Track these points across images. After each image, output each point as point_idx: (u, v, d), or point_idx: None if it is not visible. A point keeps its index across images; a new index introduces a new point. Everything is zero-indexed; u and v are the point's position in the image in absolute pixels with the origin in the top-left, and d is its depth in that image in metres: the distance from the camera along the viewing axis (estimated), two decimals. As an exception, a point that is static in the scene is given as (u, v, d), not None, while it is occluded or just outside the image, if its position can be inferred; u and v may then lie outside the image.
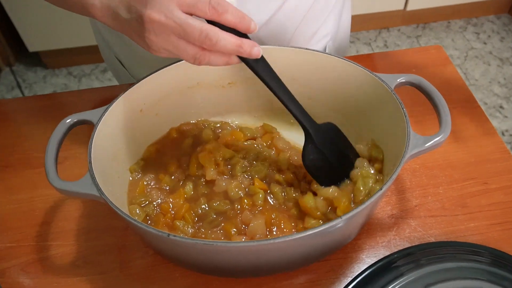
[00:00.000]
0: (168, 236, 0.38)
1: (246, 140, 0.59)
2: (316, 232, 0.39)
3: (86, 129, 0.52)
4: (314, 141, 0.49)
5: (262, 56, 0.47)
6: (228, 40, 0.42)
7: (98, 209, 0.58)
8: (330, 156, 0.50)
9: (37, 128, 0.67)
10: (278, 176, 0.53)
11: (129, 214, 0.41)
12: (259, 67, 0.47)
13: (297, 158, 0.55)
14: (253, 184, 0.52)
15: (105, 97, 0.68)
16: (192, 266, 0.48)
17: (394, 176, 0.42)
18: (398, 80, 0.52)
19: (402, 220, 0.55)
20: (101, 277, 0.51)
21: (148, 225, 0.40)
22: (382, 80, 0.52)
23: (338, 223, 0.40)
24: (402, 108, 0.48)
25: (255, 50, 0.44)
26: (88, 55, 1.81)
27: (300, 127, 0.50)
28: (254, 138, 0.59)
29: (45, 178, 0.44)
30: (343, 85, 0.57)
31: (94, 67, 1.91)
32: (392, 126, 0.50)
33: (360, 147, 0.54)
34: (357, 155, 0.53)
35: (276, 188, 0.52)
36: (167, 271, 0.51)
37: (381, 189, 0.41)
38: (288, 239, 0.38)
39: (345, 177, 0.51)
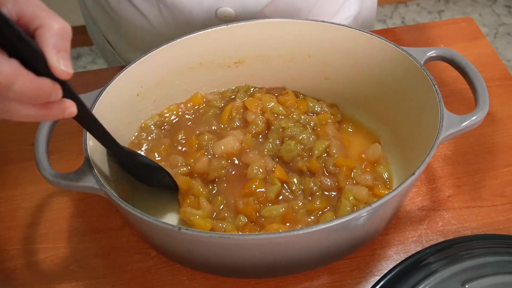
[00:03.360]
0: (179, 229, 0.40)
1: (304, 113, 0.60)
2: (341, 223, 0.41)
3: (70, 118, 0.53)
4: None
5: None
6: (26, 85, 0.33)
7: (91, 207, 0.59)
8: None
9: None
10: (302, 164, 0.55)
11: (132, 206, 0.43)
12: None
13: (335, 151, 0.56)
14: (274, 171, 0.54)
15: (94, 82, 0.70)
16: (202, 266, 0.49)
17: (428, 159, 0.44)
18: (428, 55, 0.54)
19: (434, 212, 0.57)
20: (97, 283, 0.53)
21: (156, 219, 0.41)
22: (410, 55, 0.53)
23: (365, 212, 0.42)
24: (434, 85, 0.50)
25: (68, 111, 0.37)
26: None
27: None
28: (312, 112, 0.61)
29: (28, 173, 0.46)
30: (365, 62, 0.59)
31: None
32: (422, 105, 0.52)
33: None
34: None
35: (294, 179, 0.54)
36: (172, 274, 0.53)
37: (413, 173, 0.43)
38: (310, 231, 0.40)
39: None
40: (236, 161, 0.57)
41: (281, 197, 0.54)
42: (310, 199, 0.54)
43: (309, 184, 0.54)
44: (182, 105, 0.62)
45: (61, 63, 0.35)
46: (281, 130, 0.58)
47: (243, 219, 0.52)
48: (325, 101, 0.63)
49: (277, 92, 0.64)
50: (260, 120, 0.59)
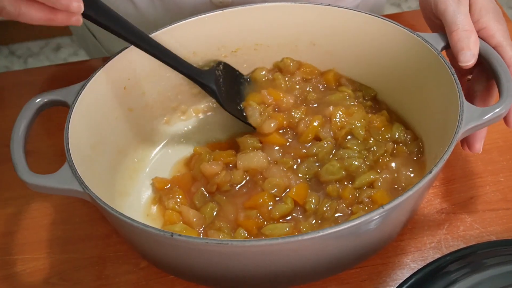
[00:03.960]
0: (172, 236, 0.42)
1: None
2: (350, 228, 0.42)
3: (49, 116, 0.54)
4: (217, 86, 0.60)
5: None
6: None
7: (74, 213, 0.61)
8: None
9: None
10: (333, 189, 0.55)
11: (119, 211, 0.44)
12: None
13: (380, 185, 0.55)
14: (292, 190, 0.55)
15: (76, 75, 0.71)
16: (198, 278, 0.51)
17: (446, 156, 0.45)
18: (446, 41, 0.55)
19: (455, 215, 0.58)
20: (81, 297, 0.55)
21: (146, 225, 0.43)
22: (427, 41, 0.55)
23: (376, 215, 0.43)
24: (452, 74, 0.51)
25: (74, 6, 0.45)
26: (36, 28, 1.83)
27: None
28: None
29: (4, 177, 0.47)
30: (376, 50, 0.60)
31: (44, 44, 1.93)
32: (440, 96, 0.53)
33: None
34: None
35: (312, 199, 0.55)
36: (164, 287, 0.54)
37: (430, 172, 0.45)
38: (316, 236, 0.41)
39: None
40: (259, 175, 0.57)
41: (289, 217, 0.55)
42: (320, 222, 0.54)
43: (324, 206, 0.54)
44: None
45: None
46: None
47: (242, 233, 0.53)
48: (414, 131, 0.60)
49: None
50: (329, 140, 0.59)
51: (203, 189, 0.58)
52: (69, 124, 0.51)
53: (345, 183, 0.56)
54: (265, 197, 0.55)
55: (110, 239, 0.58)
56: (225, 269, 0.47)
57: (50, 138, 0.67)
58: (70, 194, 0.47)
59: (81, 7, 0.46)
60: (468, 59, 0.52)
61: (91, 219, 0.60)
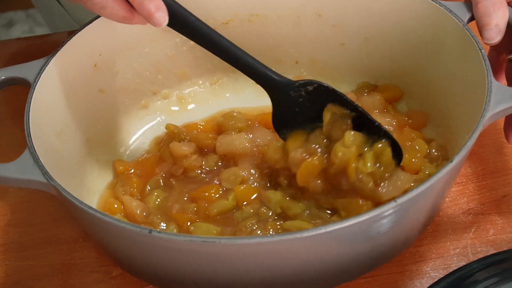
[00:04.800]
0: (150, 233, 0.43)
1: None
2: (358, 224, 0.44)
3: (8, 97, 0.56)
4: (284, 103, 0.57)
5: None
6: None
7: (34, 213, 0.63)
8: None
9: None
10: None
11: (89, 205, 0.46)
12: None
13: None
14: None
15: (38, 50, 0.73)
16: (181, 285, 0.53)
17: (469, 143, 0.47)
18: (473, 11, 0.57)
19: (484, 217, 0.60)
20: (43, 311, 0.56)
21: (120, 220, 0.44)
22: (451, 11, 0.57)
23: (389, 210, 0.45)
24: (480, 49, 0.53)
25: (157, 16, 0.51)
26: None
27: None
28: None
29: None
30: (391, 22, 0.62)
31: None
32: (465, 75, 0.55)
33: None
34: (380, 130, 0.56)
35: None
36: (141, 299, 0.56)
37: (451, 161, 0.46)
38: (317, 233, 0.43)
39: None
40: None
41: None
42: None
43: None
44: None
45: None
46: None
47: (173, 228, 0.57)
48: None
49: None
50: None
51: (163, 174, 0.61)
52: (30, 105, 0.53)
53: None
54: (212, 191, 0.58)
55: (76, 243, 0.60)
56: (213, 274, 0.48)
57: (11, 125, 0.69)
58: (31, 186, 0.49)
59: (165, 19, 0.51)
60: (493, 36, 0.54)
61: (53, 220, 0.62)
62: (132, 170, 0.63)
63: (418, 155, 0.60)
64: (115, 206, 0.59)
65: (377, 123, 0.56)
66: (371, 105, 0.66)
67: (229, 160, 0.62)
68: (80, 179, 0.61)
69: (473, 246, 0.58)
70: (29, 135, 0.51)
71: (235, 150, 0.61)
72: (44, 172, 0.48)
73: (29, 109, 0.52)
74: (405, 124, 0.64)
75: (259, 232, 0.56)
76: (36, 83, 0.54)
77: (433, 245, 0.58)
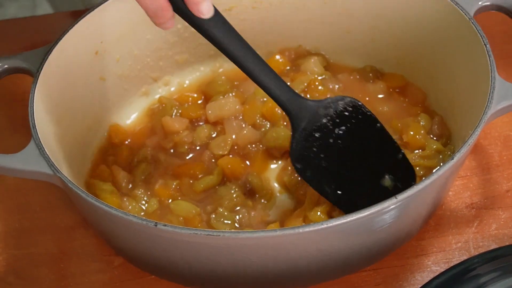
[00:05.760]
0: (156, 226, 0.49)
1: None
2: (359, 219, 0.49)
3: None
4: (306, 129, 0.57)
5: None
6: None
7: (33, 201, 0.68)
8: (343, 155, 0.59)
9: None
10: None
11: (95, 197, 0.51)
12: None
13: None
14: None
15: (30, 35, 0.78)
16: (184, 277, 0.58)
17: (471, 140, 0.52)
18: (479, 3, 0.62)
19: (487, 211, 0.65)
20: (43, 299, 0.61)
21: (126, 213, 0.49)
22: (457, 4, 0.61)
23: (390, 205, 0.50)
24: (485, 44, 0.58)
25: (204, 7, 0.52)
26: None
27: None
28: None
29: None
30: (400, 12, 0.67)
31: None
32: (469, 69, 0.60)
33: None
34: (399, 151, 0.60)
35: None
36: (142, 289, 0.62)
37: (452, 158, 0.51)
38: (321, 227, 0.48)
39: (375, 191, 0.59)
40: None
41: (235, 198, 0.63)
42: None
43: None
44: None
45: None
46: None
47: (154, 204, 0.63)
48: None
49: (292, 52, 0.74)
50: None
51: (150, 150, 0.67)
52: (34, 95, 0.57)
53: None
54: (197, 169, 0.65)
55: (76, 231, 0.66)
56: (216, 266, 0.54)
57: (6, 108, 0.73)
58: (36, 177, 0.54)
59: (210, 10, 0.53)
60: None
61: (53, 208, 0.67)
62: (126, 141, 0.70)
63: (422, 131, 0.65)
64: (106, 174, 0.66)
65: (397, 145, 0.60)
66: (373, 92, 0.72)
67: (220, 132, 0.68)
68: (80, 166, 0.66)
69: (475, 240, 0.63)
70: (34, 126, 0.55)
71: (225, 114, 0.66)
72: (50, 164, 0.53)
73: (33, 100, 0.57)
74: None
75: (238, 208, 0.62)
76: (39, 73, 0.59)
77: (435, 239, 0.63)
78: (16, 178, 0.68)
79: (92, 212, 0.55)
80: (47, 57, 0.60)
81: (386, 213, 0.51)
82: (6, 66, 0.60)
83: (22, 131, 0.72)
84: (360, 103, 0.59)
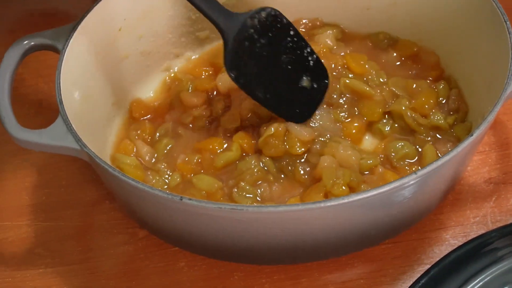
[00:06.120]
0: (181, 200, 0.50)
1: None
2: (379, 195, 0.50)
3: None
4: (236, 40, 0.62)
5: None
6: None
7: (59, 175, 0.71)
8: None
9: None
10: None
11: (121, 172, 0.53)
12: None
13: None
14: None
15: (46, 10, 0.80)
16: (206, 249, 0.60)
17: (490, 117, 0.53)
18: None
19: (505, 186, 0.66)
20: (71, 270, 0.64)
21: (152, 187, 0.51)
22: (477, -20, 0.63)
23: (410, 181, 0.51)
24: (505, 21, 0.59)
25: None
26: None
27: None
28: None
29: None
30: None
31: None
32: (489, 47, 0.61)
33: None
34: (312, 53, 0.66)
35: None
36: (166, 260, 0.63)
37: (471, 134, 0.53)
38: (342, 202, 0.50)
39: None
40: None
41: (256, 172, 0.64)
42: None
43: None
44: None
45: None
46: None
47: (177, 178, 0.65)
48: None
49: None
50: None
51: (171, 123, 0.70)
52: (60, 71, 0.59)
53: None
54: (216, 144, 0.66)
55: (102, 205, 0.68)
56: (239, 238, 0.56)
57: (26, 85, 0.75)
58: (64, 152, 0.56)
59: None
60: None
61: (79, 182, 0.70)
62: (147, 116, 0.72)
63: (432, 101, 0.67)
64: (130, 148, 0.68)
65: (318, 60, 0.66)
66: (386, 62, 0.74)
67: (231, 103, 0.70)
68: (104, 141, 0.69)
69: (492, 214, 0.64)
70: (61, 102, 0.57)
71: (234, 84, 0.67)
72: (78, 139, 0.55)
73: (60, 76, 0.59)
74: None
75: (259, 182, 0.64)
76: (65, 50, 0.61)
77: (453, 213, 0.65)
78: (43, 155, 0.71)
79: (118, 186, 0.57)
80: (72, 34, 0.62)
81: (406, 188, 0.53)
82: (32, 43, 0.61)
83: (47, 107, 0.75)
84: (278, 12, 0.64)
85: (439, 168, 0.52)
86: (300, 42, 0.65)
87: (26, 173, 0.71)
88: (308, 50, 0.66)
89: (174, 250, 0.64)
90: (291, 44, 0.65)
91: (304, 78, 0.66)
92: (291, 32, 0.65)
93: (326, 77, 0.67)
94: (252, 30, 0.62)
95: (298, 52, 0.65)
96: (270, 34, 0.64)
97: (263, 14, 0.63)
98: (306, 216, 0.52)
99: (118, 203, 0.67)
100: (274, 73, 0.65)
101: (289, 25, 0.65)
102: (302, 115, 0.66)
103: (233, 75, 0.62)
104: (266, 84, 0.64)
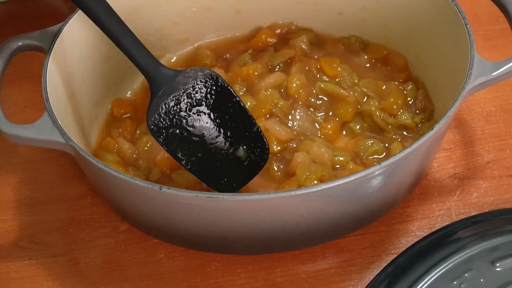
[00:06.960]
0: (160, 189, 0.54)
1: None
2: (345, 184, 0.54)
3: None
4: (162, 96, 0.62)
5: None
6: None
7: (43, 172, 0.74)
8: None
9: None
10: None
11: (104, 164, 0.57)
12: None
13: None
14: None
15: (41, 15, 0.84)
16: (185, 240, 0.64)
17: (450, 113, 0.58)
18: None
19: (469, 181, 0.71)
20: (55, 261, 0.67)
21: (133, 177, 0.55)
22: (441, -14, 0.67)
23: (374, 171, 0.56)
24: (466, 24, 0.64)
25: None
26: None
27: None
28: None
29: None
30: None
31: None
32: (449, 47, 0.66)
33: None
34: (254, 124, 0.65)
35: None
36: (146, 251, 0.67)
37: (432, 128, 0.57)
38: (310, 191, 0.53)
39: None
40: None
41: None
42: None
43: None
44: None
45: None
46: None
47: (156, 173, 0.68)
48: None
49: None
50: None
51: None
52: (46, 70, 0.63)
53: None
54: None
55: (84, 200, 0.72)
56: (215, 228, 0.60)
57: (14, 86, 0.79)
58: (50, 146, 0.60)
59: None
60: None
61: (62, 178, 0.74)
62: (128, 114, 0.76)
63: (400, 101, 0.72)
64: (112, 145, 0.71)
65: (252, 119, 0.65)
66: (358, 64, 0.78)
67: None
68: (89, 138, 0.72)
69: (456, 208, 0.69)
70: (47, 99, 0.61)
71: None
72: (63, 133, 0.59)
73: (46, 75, 0.63)
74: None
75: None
76: (51, 50, 0.65)
77: (420, 207, 0.69)
78: (28, 150, 0.75)
79: (101, 178, 0.61)
80: (58, 36, 0.66)
81: (371, 178, 0.57)
82: (20, 43, 0.65)
83: (32, 107, 0.79)
84: (217, 76, 0.64)
85: (402, 159, 0.56)
86: (241, 110, 0.65)
87: (11, 170, 0.75)
88: (251, 120, 0.65)
89: (154, 242, 0.68)
90: (230, 111, 0.64)
91: (241, 148, 0.65)
92: (233, 99, 0.65)
93: (266, 151, 0.66)
94: (182, 90, 0.63)
95: (239, 119, 0.65)
96: (206, 97, 0.64)
97: (200, 75, 0.63)
98: (278, 204, 0.56)
99: (101, 197, 0.71)
100: (204, 137, 0.64)
101: (229, 91, 0.64)
102: (229, 186, 0.64)
103: (154, 130, 0.62)
104: (193, 147, 0.63)
